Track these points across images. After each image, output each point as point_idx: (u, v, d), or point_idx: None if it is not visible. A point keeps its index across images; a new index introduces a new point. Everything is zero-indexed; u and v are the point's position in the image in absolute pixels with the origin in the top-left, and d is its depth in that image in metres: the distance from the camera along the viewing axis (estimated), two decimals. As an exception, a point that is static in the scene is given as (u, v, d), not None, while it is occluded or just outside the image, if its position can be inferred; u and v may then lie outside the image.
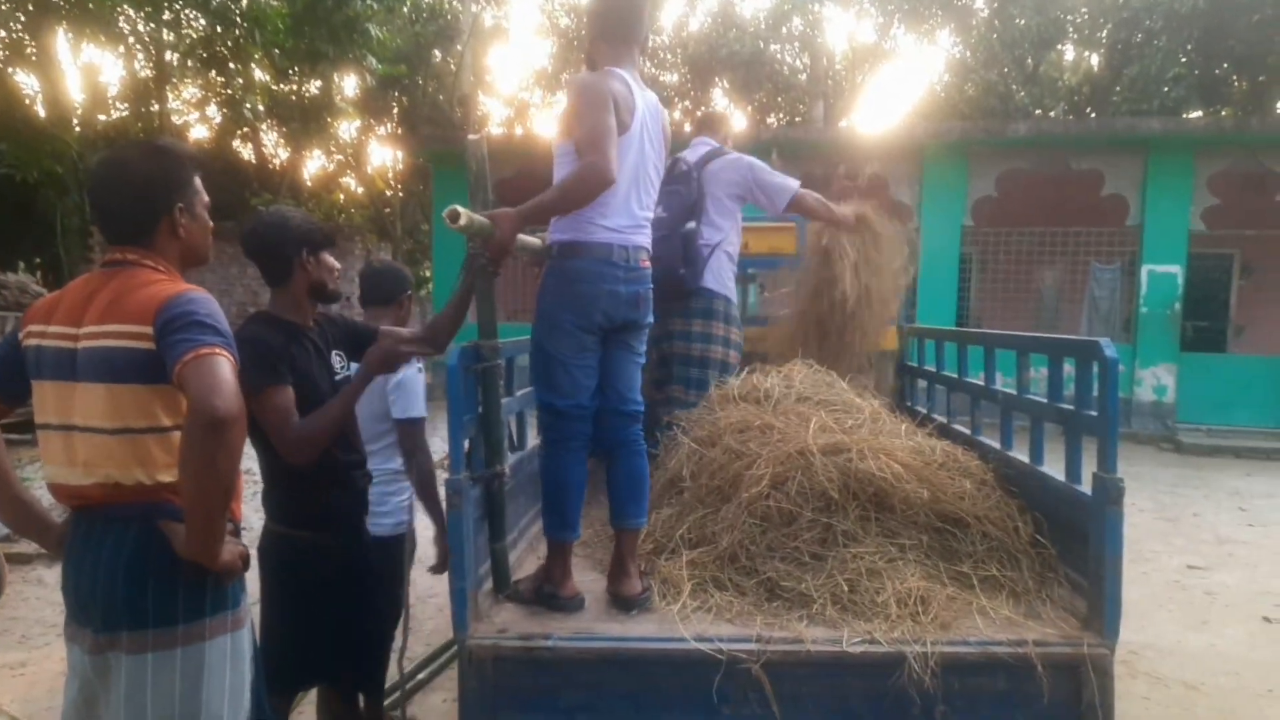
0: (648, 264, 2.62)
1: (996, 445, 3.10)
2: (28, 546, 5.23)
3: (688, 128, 4.23)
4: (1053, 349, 2.80)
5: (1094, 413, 2.42)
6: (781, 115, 21.80)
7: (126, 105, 17.30)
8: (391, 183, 19.98)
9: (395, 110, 19.17)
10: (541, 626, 2.36)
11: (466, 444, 2.44)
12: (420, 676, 3.65)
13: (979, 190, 11.33)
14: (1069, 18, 18.48)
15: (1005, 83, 18.70)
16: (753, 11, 22.34)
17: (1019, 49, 18.54)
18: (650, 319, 2.70)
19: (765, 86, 21.18)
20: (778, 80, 21.26)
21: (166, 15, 15.51)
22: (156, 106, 16.70)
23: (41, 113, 14.69)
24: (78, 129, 14.99)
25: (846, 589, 2.43)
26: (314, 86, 17.78)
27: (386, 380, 2.92)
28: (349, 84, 18.54)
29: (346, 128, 19.58)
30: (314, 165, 20.43)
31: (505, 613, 2.47)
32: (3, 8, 13.88)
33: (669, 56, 21.79)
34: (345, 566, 2.47)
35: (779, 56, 21.54)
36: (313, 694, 2.95)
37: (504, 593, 2.56)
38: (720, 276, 3.80)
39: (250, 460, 2.44)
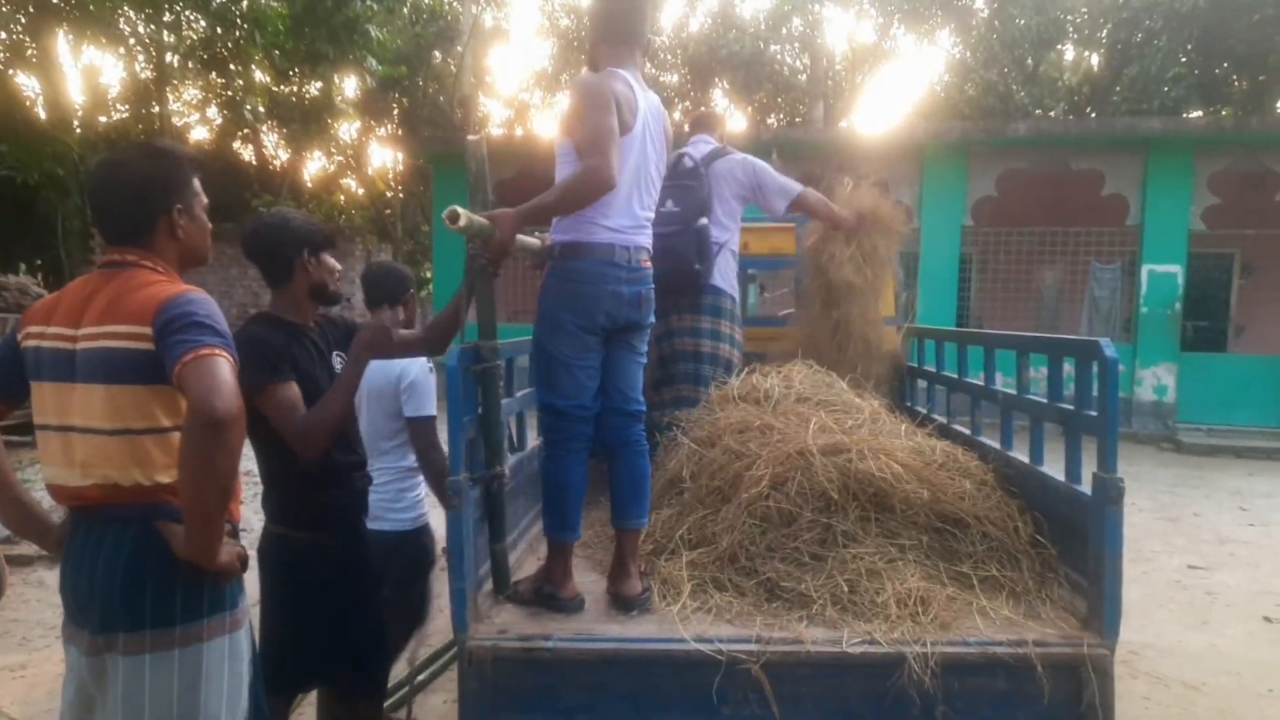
0: (649, 264, 2.63)
1: (996, 445, 3.09)
2: (29, 548, 5.23)
3: (688, 129, 4.22)
4: (1052, 349, 2.80)
5: (1094, 412, 2.42)
6: (781, 116, 21.82)
7: (127, 107, 17.33)
8: (392, 184, 20.00)
9: (395, 111, 19.18)
10: (541, 627, 2.36)
11: (466, 445, 2.44)
12: (421, 678, 3.65)
13: (979, 190, 11.33)
14: (1069, 17, 18.48)
15: (1005, 83, 18.70)
16: (753, 12, 22.40)
17: (1019, 49, 18.54)
18: (652, 319, 2.70)
19: (765, 87, 21.20)
20: (778, 81, 21.28)
21: (167, 17, 15.54)
22: (157, 108, 16.73)
23: (42, 114, 14.71)
24: (78, 131, 15.02)
25: (846, 589, 2.43)
26: (314, 88, 17.81)
27: (399, 380, 2.99)
28: (349, 85, 18.57)
29: (347, 129, 19.62)
30: (314, 166, 20.48)
31: (505, 613, 2.46)
32: (3, 9, 13.89)
33: (669, 57, 21.80)
34: (344, 568, 2.47)
35: (779, 57, 21.55)
36: (313, 696, 2.95)
37: (504, 593, 2.56)
38: (727, 275, 3.86)
39: (250, 462, 2.45)
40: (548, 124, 21.01)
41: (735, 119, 21.77)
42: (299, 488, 2.38)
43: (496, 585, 2.58)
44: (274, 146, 19.83)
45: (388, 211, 19.39)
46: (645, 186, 2.59)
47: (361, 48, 15.86)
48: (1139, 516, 6.77)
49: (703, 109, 19.66)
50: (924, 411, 3.95)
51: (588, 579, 2.71)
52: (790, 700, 2.20)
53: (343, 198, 20.52)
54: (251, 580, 2.04)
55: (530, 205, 2.37)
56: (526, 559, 2.94)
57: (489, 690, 2.23)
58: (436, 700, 3.57)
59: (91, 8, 13.90)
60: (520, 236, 2.50)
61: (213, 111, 19.09)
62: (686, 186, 3.66)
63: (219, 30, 16.13)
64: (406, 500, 3.06)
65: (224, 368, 1.58)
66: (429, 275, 16.51)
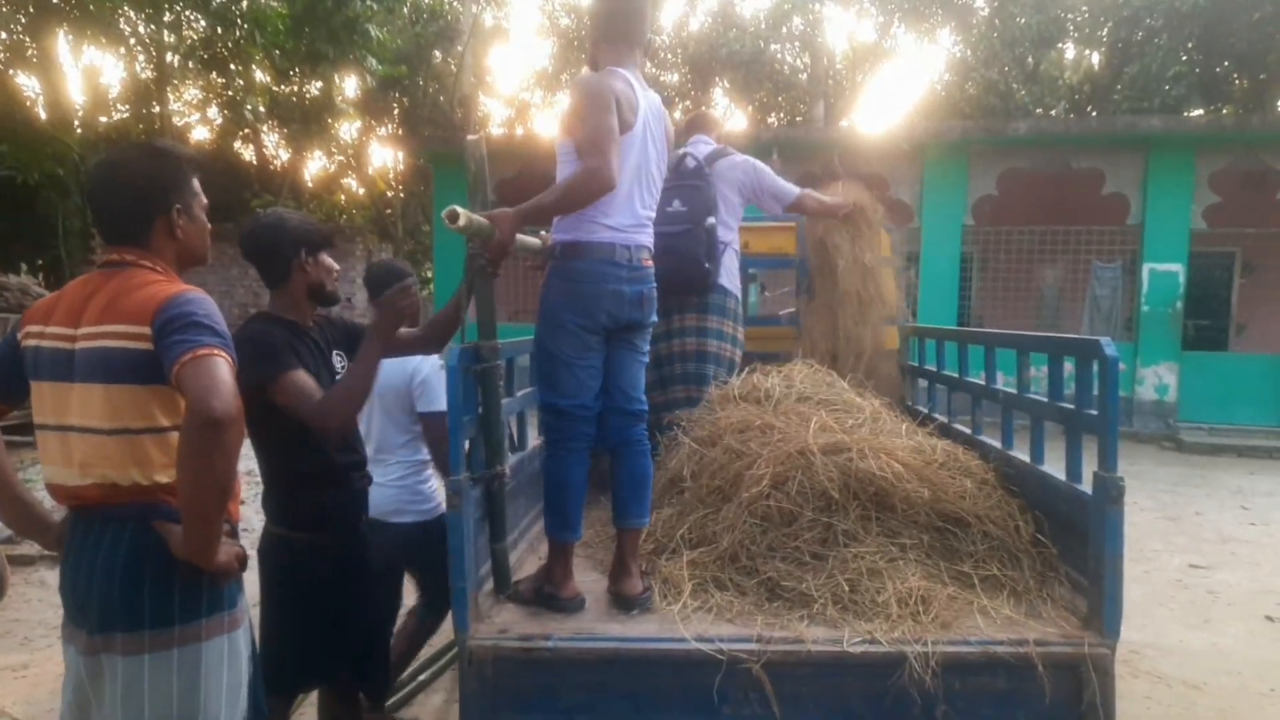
0: (650, 263, 2.62)
1: (997, 444, 3.09)
2: (30, 548, 5.23)
3: (684, 129, 4.23)
4: (1053, 348, 2.80)
5: (1094, 412, 2.42)
6: (782, 115, 21.81)
7: (127, 107, 17.34)
8: (392, 183, 20.01)
9: (396, 111, 19.20)
10: (542, 627, 2.36)
11: (466, 444, 2.44)
12: (421, 677, 3.65)
13: (980, 189, 11.32)
14: (1069, 16, 18.47)
15: (1006, 81, 18.68)
16: (753, 11, 22.40)
17: (1019, 47, 18.52)
18: (654, 318, 2.70)
19: (766, 86, 21.19)
20: (778, 80, 21.27)
21: (167, 17, 15.55)
22: (157, 108, 16.74)
23: (43, 114, 14.72)
24: (79, 131, 15.03)
25: (847, 589, 2.43)
26: (315, 88, 17.82)
27: (412, 377, 3.06)
28: (350, 85, 18.58)
29: (347, 129, 19.64)
30: (315, 166, 20.50)
31: (506, 613, 2.46)
32: (3, 9, 13.89)
33: (669, 56, 21.79)
34: (344, 568, 2.47)
35: (779, 56, 21.54)
36: (313, 696, 2.95)
37: (504, 593, 2.56)
38: (732, 275, 3.88)
39: (252, 461, 2.45)
40: (548, 123, 21.02)
41: (736, 118, 21.78)
42: (299, 488, 2.39)
43: (497, 585, 2.58)
44: (274, 146, 19.85)
45: (388, 211, 19.40)
46: (646, 185, 2.59)
47: (361, 47, 15.87)
48: (1140, 515, 6.76)
49: (701, 109, 19.65)
50: (925, 411, 3.95)
51: (588, 578, 2.71)
52: (791, 700, 2.20)
53: (343, 197, 20.53)
54: (251, 580, 2.04)
55: (530, 205, 2.37)
56: (527, 558, 2.94)
57: (489, 690, 2.24)
58: (437, 700, 3.57)
59: (91, 8, 13.91)
60: (520, 236, 2.50)
61: (213, 111, 19.12)
62: (693, 186, 3.67)
63: (219, 30, 16.14)
64: (424, 492, 3.18)
65: (223, 368, 1.58)
66: (430, 275, 16.50)
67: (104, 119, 16.64)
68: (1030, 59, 18.96)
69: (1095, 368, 2.38)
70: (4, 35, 14.37)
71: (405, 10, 18.53)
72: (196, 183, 1.88)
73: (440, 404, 3.01)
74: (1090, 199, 11.22)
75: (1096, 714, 2.17)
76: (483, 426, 2.51)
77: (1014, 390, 3.08)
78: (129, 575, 1.68)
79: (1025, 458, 2.87)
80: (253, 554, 2.31)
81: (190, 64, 17.18)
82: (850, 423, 2.98)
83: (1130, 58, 17.20)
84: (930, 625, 2.28)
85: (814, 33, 20.71)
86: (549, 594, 2.49)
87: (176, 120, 18.10)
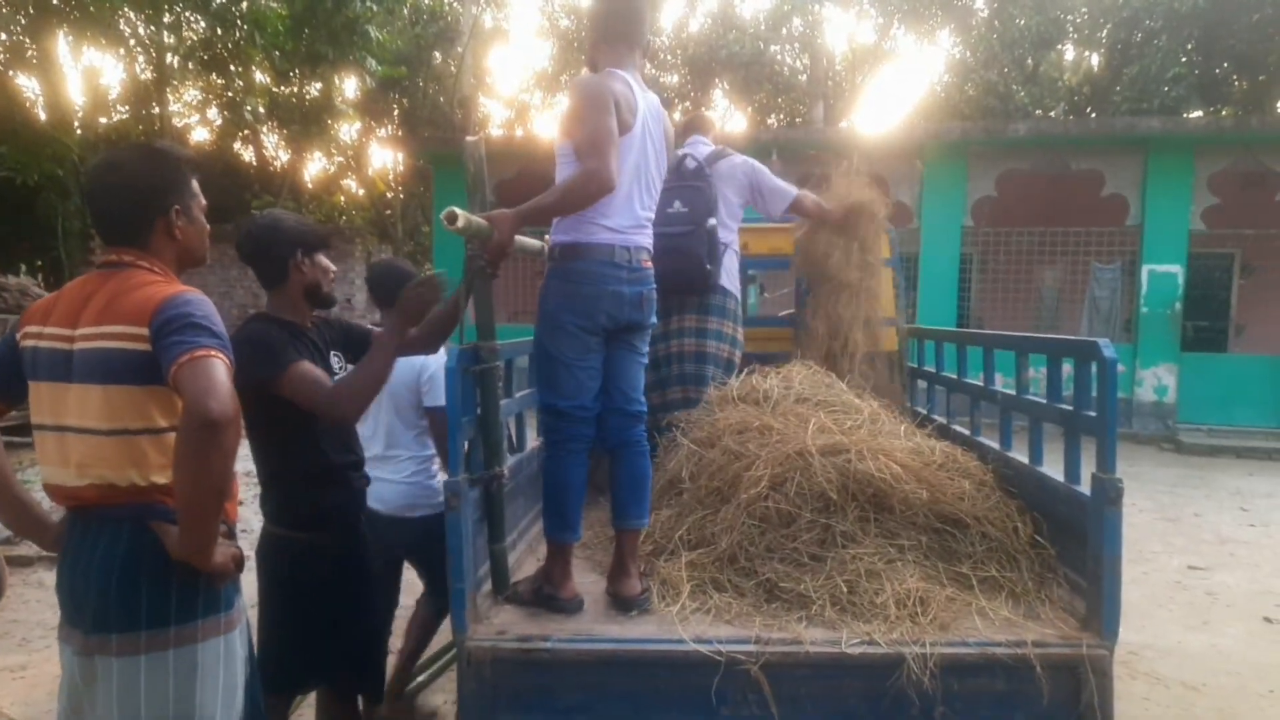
0: (650, 264, 2.63)
1: (996, 446, 3.09)
2: (29, 549, 5.23)
3: (680, 130, 4.23)
4: (1051, 349, 2.80)
5: (1093, 413, 2.42)
6: (781, 116, 21.81)
7: (127, 108, 17.34)
8: (392, 185, 20.01)
9: (396, 112, 19.20)
10: (540, 628, 2.36)
11: (465, 445, 2.44)
12: (420, 679, 3.65)
13: (979, 190, 11.33)
14: (1069, 17, 18.48)
15: (1005, 83, 18.68)
16: (753, 12, 22.41)
17: (1019, 49, 18.54)
18: (654, 319, 2.70)
19: (765, 87, 21.19)
20: (778, 81, 21.27)
21: (167, 18, 15.54)
22: (157, 109, 16.73)
23: (42, 115, 14.72)
24: (79, 132, 15.02)
25: (845, 590, 2.43)
26: (314, 89, 17.81)
27: (420, 374, 3.10)
28: (349, 86, 18.58)
29: (347, 130, 19.63)
30: (315, 167, 20.49)
31: (504, 614, 2.47)
32: (3, 10, 13.89)
33: (669, 58, 21.79)
34: (343, 568, 2.47)
35: (779, 57, 21.55)
36: (312, 696, 2.95)
37: (503, 594, 2.56)
38: (732, 276, 3.89)
39: (250, 462, 2.45)
40: (548, 124, 21.02)
41: (735, 119, 21.80)
42: (299, 488, 2.39)
43: (495, 586, 2.58)
44: (274, 147, 19.85)
45: (388, 212, 19.40)
46: (645, 186, 2.59)
47: (361, 48, 15.87)
48: (1139, 517, 6.76)
49: (701, 109, 19.66)
50: (923, 412, 3.95)
51: (587, 579, 2.71)
52: (789, 701, 2.20)
53: (343, 198, 20.54)
54: (249, 581, 2.04)
55: (529, 206, 2.37)
56: (526, 559, 2.94)
57: (488, 691, 2.24)
58: (437, 700, 3.56)
59: (91, 9, 13.90)
60: (519, 237, 2.50)
61: (213, 112, 19.12)
62: (694, 188, 3.68)
63: (219, 31, 16.14)
64: (434, 487, 3.22)
65: (220, 369, 1.58)
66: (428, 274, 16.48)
67: (104, 120, 16.64)
68: (1030, 60, 18.97)
69: (1094, 369, 2.38)
70: (4, 36, 14.37)
71: (405, 11, 18.53)
72: (195, 184, 1.88)
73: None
74: (1089, 200, 11.23)
75: (1094, 715, 2.17)
76: (481, 427, 2.51)
77: (1013, 392, 3.09)
78: (126, 576, 1.68)
79: (1024, 459, 2.88)
80: (251, 555, 2.32)
81: (190, 65, 17.18)
82: (849, 424, 2.98)
83: (1130, 59, 17.21)
84: (928, 626, 2.28)
85: (814, 34, 20.73)
86: (548, 595, 2.50)
87: (176, 121, 18.11)
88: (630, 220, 2.53)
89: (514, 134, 19.75)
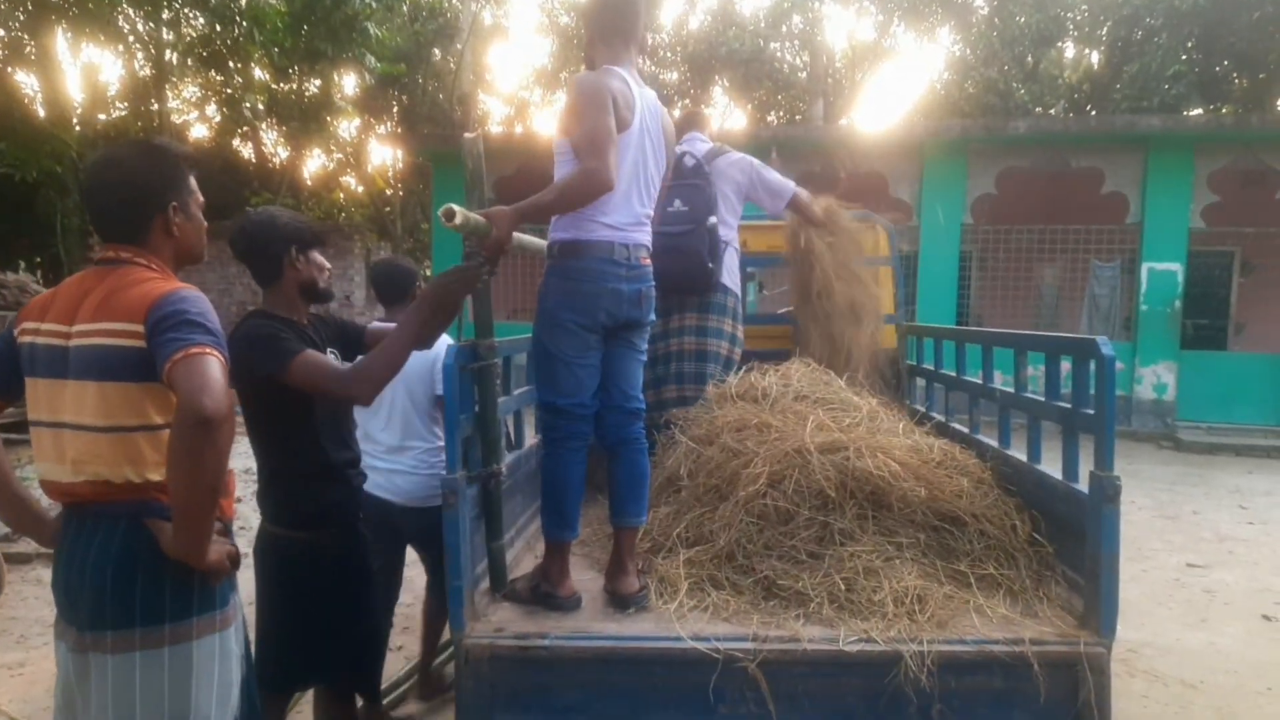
0: (649, 262, 2.62)
1: (994, 443, 3.09)
2: (27, 546, 5.23)
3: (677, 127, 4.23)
4: (1049, 347, 2.80)
5: (1091, 411, 2.42)
6: (781, 113, 21.79)
7: (126, 104, 17.33)
8: (391, 181, 19.99)
9: (395, 109, 19.17)
10: (538, 626, 2.36)
11: (463, 442, 2.44)
12: (417, 677, 3.65)
13: (979, 188, 11.32)
14: (1069, 15, 18.46)
15: (1005, 80, 18.67)
16: (752, 10, 22.38)
17: (1019, 46, 18.51)
18: (653, 317, 2.70)
19: (765, 85, 21.16)
20: (777, 78, 21.23)
21: (166, 14, 15.53)
22: (156, 106, 16.72)
23: (41, 112, 14.68)
24: (77, 128, 15.00)
25: (843, 587, 2.43)
26: (314, 85, 17.79)
27: (433, 364, 3.09)
28: (349, 83, 18.56)
29: (346, 126, 19.60)
30: (314, 164, 20.47)
31: (502, 612, 2.46)
32: (2, 7, 13.87)
33: (669, 55, 21.77)
34: (342, 567, 2.47)
35: (779, 55, 21.51)
36: (309, 695, 2.95)
37: (501, 592, 2.56)
38: (732, 273, 3.88)
39: (250, 459, 2.45)
40: (548, 121, 20.99)
41: (735, 117, 21.79)
42: (300, 485, 2.38)
43: (493, 583, 2.58)
44: (273, 144, 19.84)
45: (387, 209, 19.39)
46: (644, 183, 2.58)
47: (360, 45, 15.84)
48: (1138, 514, 6.77)
49: (700, 106, 19.63)
50: (922, 410, 3.95)
51: (585, 577, 2.71)
52: (787, 699, 2.20)
53: (342, 195, 20.51)
54: (247, 579, 2.04)
55: (528, 203, 2.36)
56: (524, 557, 2.94)
57: (486, 689, 2.23)
58: (435, 699, 3.56)
59: (90, 5, 13.88)
60: (518, 234, 2.49)
61: (212, 109, 19.10)
62: (694, 185, 3.67)
63: (218, 27, 16.11)
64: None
65: (214, 366, 1.58)
66: (429, 273, 16.51)
67: (102, 116, 16.62)
68: (1030, 58, 18.95)
69: (1092, 367, 2.38)
70: (2, 32, 14.34)
71: (404, 8, 18.51)
72: (193, 181, 1.88)
73: None
74: (1089, 198, 11.22)
75: (1092, 713, 2.17)
76: (479, 425, 2.51)
77: (1011, 389, 3.08)
78: (121, 572, 1.68)
79: (1022, 457, 2.87)
80: (249, 553, 2.31)
81: (189, 61, 17.15)
82: (847, 421, 2.98)
83: (1130, 57, 17.20)
84: (926, 624, 2.28)
85: (813, 31, 20.71)
86: (546, 592, 2.49)
87: (175, 118, 18.09)
88: (629, 217, 2.53)
89: (514, 131, 19.74)
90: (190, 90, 19.13)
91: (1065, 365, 2.69)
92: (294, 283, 2.40)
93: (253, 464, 2.47)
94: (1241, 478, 8.57)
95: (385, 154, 19.87)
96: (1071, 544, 2.47)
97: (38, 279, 13.13)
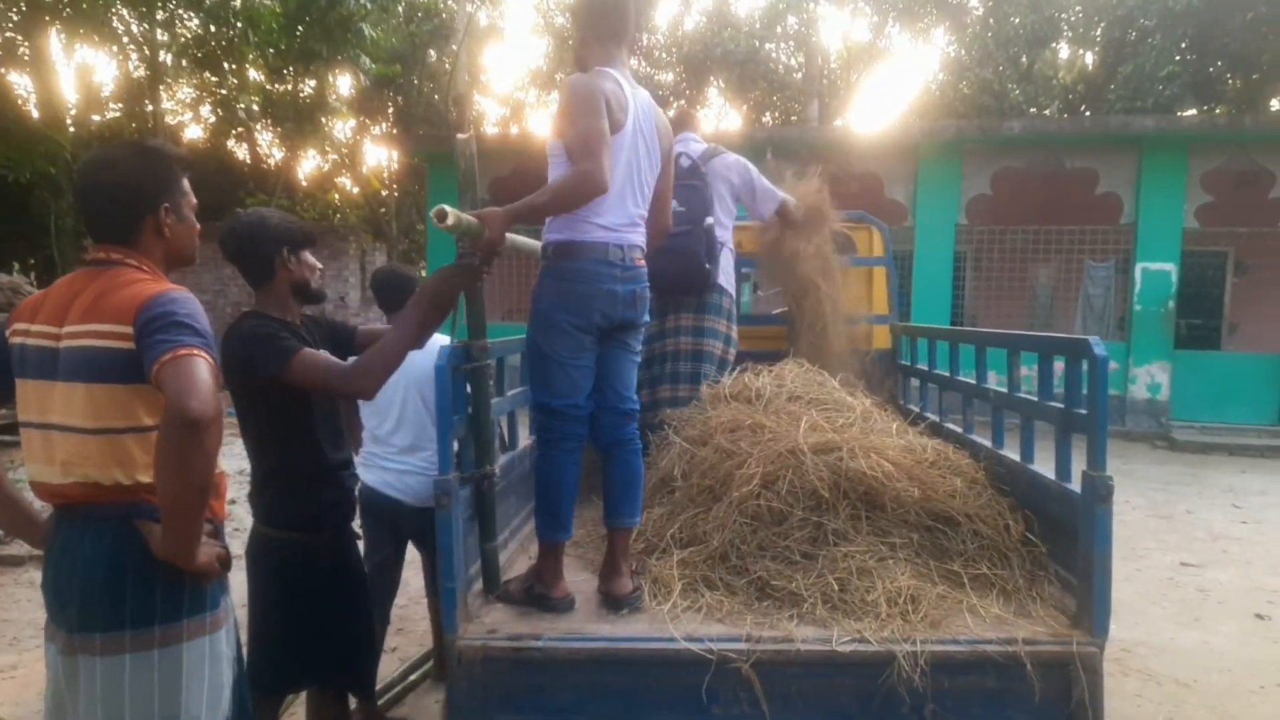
0: (643, 262, 2.62)
1: (988, 443, 3.09)
2: (19, 548, 5.22)
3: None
4: (1042, 347, 2.80)
5: (1084, 411, 2.42)
6: (776, 114, 21.79)
7: (120, 105, 17.28)
8: (386, 182, 19.97)
9: (390, 110, 19.14)
10: (531, 627, 2.35)
11: (456, 444, 2.44)
12: (413, 678, 3.65)
13: (973, 188, 11.34)
14: (1063, 16, 18.48)
15: (1000, 81, 18.69)
16: (748, 10, 22.39)
17: (1014, 47, 18.54)
18: (647, 317, 2.70)
19: (760, 85, 21.16)
20: (772, 79, 21.24)
21: (160, 15, 15.48)
22: (151, 107, 16.68)
23: (35, 113, 14.64)
24: (71, 129, 14.97)
25: (837, 588, 2.43)
26: (308, 86, 17.75)
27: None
28: (344, 84, 18.52)
29: (341, 127, 19.56)
30: (309, 165, 20.43)
31: (495, 613, 2.46)
32: (-4, 8, 13.84)
33: (664, 55, 21.76)
34: (335, 569, 2.47)
35: (774, 55, 21.52)
36: (302, 696, 2.94)
37: (494, 593, 2.56)
38: (728, 274, 3.89)
39: (244, 460, 2.44)
40: (543, 122, 20.97)
41: (730, 117, 21.79)
42: (298, 487, 2.38)
43: (487, 585, 2.58)
44: (268, 145, 19.80)
45: (382, 210, 19.36)
46: (638, 184, 2.58)
47: (355, 46, 15.80)
48: (1132, 514, 6.78)
49: (692, 107, 19.62)
50: (916, 410, 3.95)
51: (578, 578, 2.71)
52: (780, 699, 2.20)
53: (337, 197, 20.49)
54: (239, 580, 2.03)
55: (521, 204, 2.36)
56: (517, 558, 2.94)
57: (479, 690, 2.23)
58: (429, 700, 3.56)
59: (84, 6, 13.83)
60: (511, 235, 2.49)
61: (206, 110, 19.05)
62: (691, 186, 3.66)
63: (212, 28, 16.08)
64: None
65: (202, 368, 1.58)
66: (425, 274, 16.48)
67: (97, 117, 16.58)
68: (1024, 58, 18.99)
69: (1084, 367, 2.38)
70: (-4, 33, 14.32)
71: (400, 9, 18.49)
72: (186, 182, 1.88)
73: None
74: (1083, 198, 11.25)
75: (1085, 712, 2.17)
76: (472, 426, 2.51)
77: (1004, 389, 3.09)
78: (111, 574, 1.67)
79: (1016, 457, 2.88)
80: (241, 554, 2.31)
81: (183, 62, 17.11)
82: (840, 422, 2.99)
83: (1124, 57, 17.23)
84: (919, 624, 2.29)
85: (809, 32, 20.72)
86: (539, 594, 2.49)
87: (170, 119, 18.05)
88: (623, 218, 2.53)
89: (509, 132, 19.71)
90: (185, 91, 19.09)
91: (1059, 365, 2.70)
92: (286, 283, 2.40)
93: (246, 465, 2.46)
94: (1235, 477, 8.60)
95: (380, 155, 19.86)
96: (1065, 544, 2.48)
97: (31, 280, 13.05)
